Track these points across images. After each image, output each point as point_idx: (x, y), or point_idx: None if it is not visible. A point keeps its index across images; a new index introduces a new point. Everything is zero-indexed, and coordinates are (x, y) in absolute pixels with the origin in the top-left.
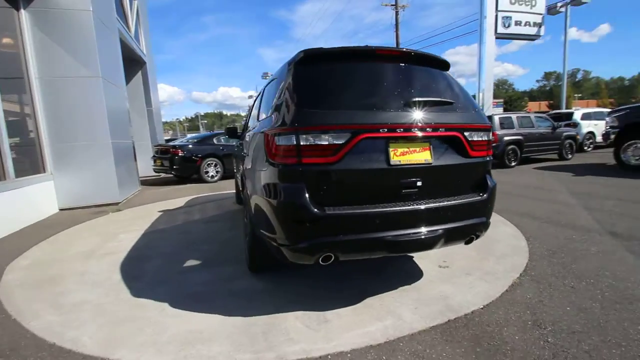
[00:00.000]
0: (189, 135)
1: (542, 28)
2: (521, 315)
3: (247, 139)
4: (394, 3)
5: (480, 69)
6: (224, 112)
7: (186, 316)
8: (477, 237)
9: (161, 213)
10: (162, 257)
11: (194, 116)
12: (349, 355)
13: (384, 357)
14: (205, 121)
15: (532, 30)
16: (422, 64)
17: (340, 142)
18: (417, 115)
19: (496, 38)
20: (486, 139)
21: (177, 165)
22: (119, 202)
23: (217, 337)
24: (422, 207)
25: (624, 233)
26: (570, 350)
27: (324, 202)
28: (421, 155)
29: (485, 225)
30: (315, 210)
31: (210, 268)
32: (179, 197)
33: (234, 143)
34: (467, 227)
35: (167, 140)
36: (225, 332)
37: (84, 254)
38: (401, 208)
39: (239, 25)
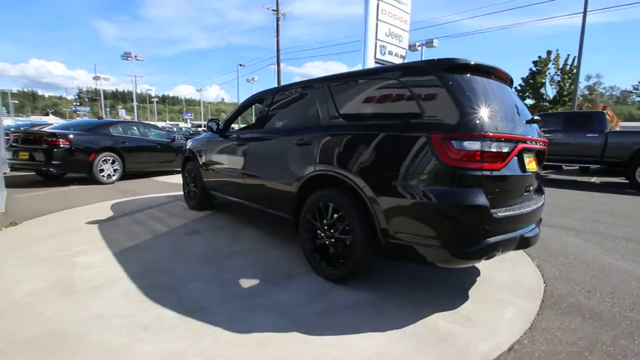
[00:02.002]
0: (64, 122)
1: (405, 60)
2: (573, 287)
3: (323, 141)
4: (275, 8)
5: None
6: (39, 92)
7: (339, 340)
8: None
9: (96, 225)
10: (193, 280)
11: None
12: (525, 341)
13: (548, 337)
14: (16, 101)
15: (399, 61)
16: (511, 85)
17: (506, 151)
18: (532, 130)
19: (375, 62)
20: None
21: (59, 160)
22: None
23: (405, 356)
24: (535, 207)
25: (555, 224)
26: (625, 303)
27: (491, 205)
28: (533, 164)
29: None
30: (493, 213)
31: (281, 284)
32: (88, 204)
33: (160, 138)
34: (539, 221)
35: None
36: (406, 347)
37: (55, 291)
38: (530, 208)
39: None
